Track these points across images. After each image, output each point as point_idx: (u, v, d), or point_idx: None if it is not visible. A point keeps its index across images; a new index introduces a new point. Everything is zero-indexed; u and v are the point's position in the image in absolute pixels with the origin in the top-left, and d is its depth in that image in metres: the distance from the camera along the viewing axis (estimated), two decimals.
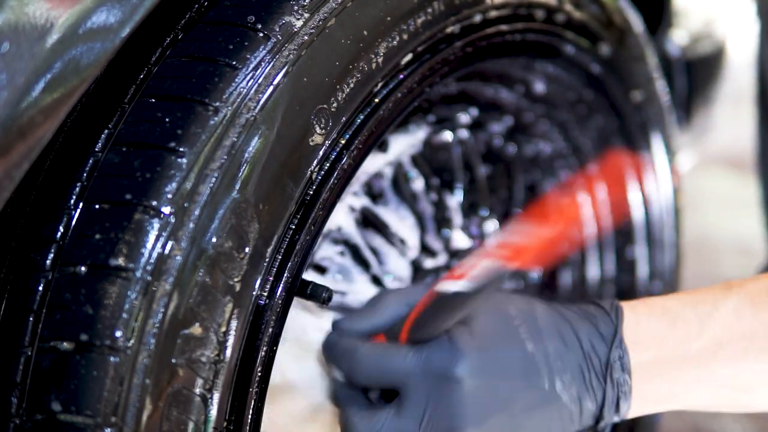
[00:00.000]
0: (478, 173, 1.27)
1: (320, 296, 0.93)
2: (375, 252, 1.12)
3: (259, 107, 0.82)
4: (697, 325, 0.93)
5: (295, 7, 0.86)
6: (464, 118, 1.23)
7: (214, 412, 0.81)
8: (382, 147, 1.10)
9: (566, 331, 0.92)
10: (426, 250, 1.18)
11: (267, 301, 0.84)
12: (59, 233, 0.80)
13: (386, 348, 0.92)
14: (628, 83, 1.29)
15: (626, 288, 1.45)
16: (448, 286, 0.87)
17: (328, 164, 0.88)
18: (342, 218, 1.08)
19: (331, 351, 0.94)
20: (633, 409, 0.94)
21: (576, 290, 1.43)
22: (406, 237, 1.14)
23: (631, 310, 0.94)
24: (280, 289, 0.85)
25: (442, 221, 1.21)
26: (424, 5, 0.94)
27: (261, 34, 0.84)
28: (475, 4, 1.00)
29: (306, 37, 0.86)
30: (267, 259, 0.84)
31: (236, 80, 0.82)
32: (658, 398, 0.95)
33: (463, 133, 1.24)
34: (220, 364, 0.81)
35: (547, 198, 1.33)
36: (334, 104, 0.87)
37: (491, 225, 1.26)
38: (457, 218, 1.22)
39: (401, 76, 0.94)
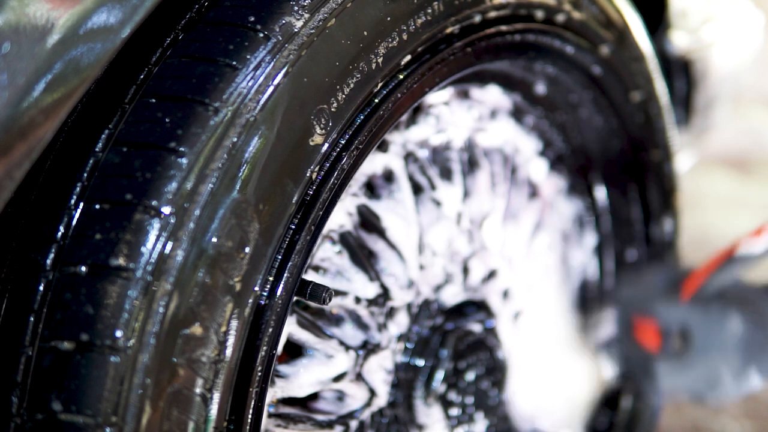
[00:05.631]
0: None
1: (320, 296, 0.93)
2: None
3: (259, 107, 0.82)
4: None
5: (295, 8, 0.86)
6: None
7: (214, 411, 0.81)
8: (382, 147, 1.10)
9: None
10: None
11: (267, 301, 0.84)
12: (60, 233, 0.80)
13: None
14: (628, 83, 1.29)
15: None
16: (750, 246, 0.90)
17: (328, 164, 0.88)
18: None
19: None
20: None
21: None
22: None
23: None
24: (280, 289, 0.85)
25: None
26: (424, 6, 0.94)
27: (261, 35, 0.85)
28: (475, 4, 1.00)
29: (306, 38, 0.86)
30: (267, 259, 0.84)
31: (236, 80, 0.83)
32: None
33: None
34: (220, 364, 0.81)
35: None
36: (334, 104, 0.87)
37: None
38: None
39: (401, 76, 0.94)
